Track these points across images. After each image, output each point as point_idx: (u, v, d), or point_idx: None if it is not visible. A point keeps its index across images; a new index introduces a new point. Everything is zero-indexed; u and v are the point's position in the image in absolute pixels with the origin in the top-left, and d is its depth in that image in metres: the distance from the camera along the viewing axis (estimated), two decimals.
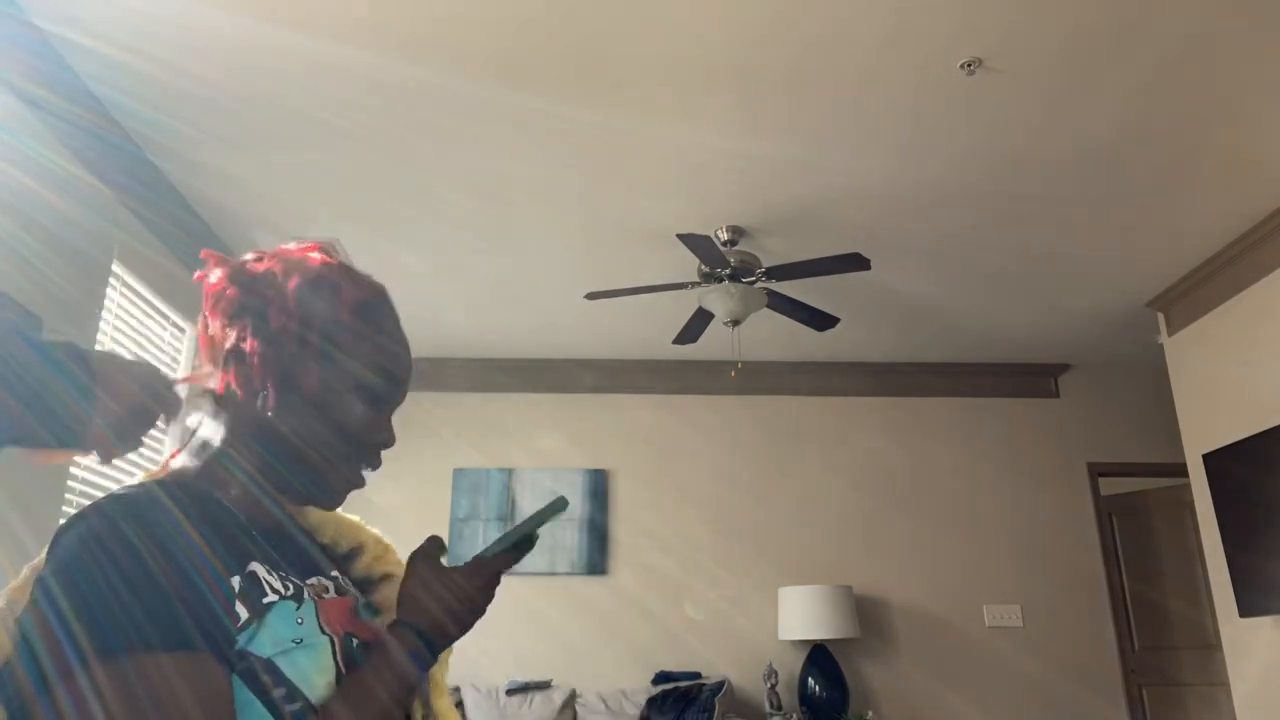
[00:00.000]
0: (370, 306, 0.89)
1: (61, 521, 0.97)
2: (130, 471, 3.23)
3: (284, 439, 0.86)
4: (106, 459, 0.87)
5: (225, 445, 0.87)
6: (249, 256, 0.91)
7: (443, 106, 2.99)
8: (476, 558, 0.87)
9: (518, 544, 0.87)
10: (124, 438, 0.87)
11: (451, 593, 0.84)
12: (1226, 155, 3.32)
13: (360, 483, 0.91)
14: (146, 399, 0.88)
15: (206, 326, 0.89)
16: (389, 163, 3.33)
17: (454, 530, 5.18)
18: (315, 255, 0.91)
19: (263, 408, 0.85)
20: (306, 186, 3.49)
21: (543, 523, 0.87)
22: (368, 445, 0.89)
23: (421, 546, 0.89)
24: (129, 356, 0.95)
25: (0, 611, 0.76)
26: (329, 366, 0.86)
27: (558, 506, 0.87)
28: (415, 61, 2.76)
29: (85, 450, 0.86)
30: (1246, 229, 3.85)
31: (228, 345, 0.86)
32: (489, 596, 0.86)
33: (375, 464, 0.91)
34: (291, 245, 0.92)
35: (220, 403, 0.88)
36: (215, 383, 0.88)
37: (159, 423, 0.91)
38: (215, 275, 0.89)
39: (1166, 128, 3.14)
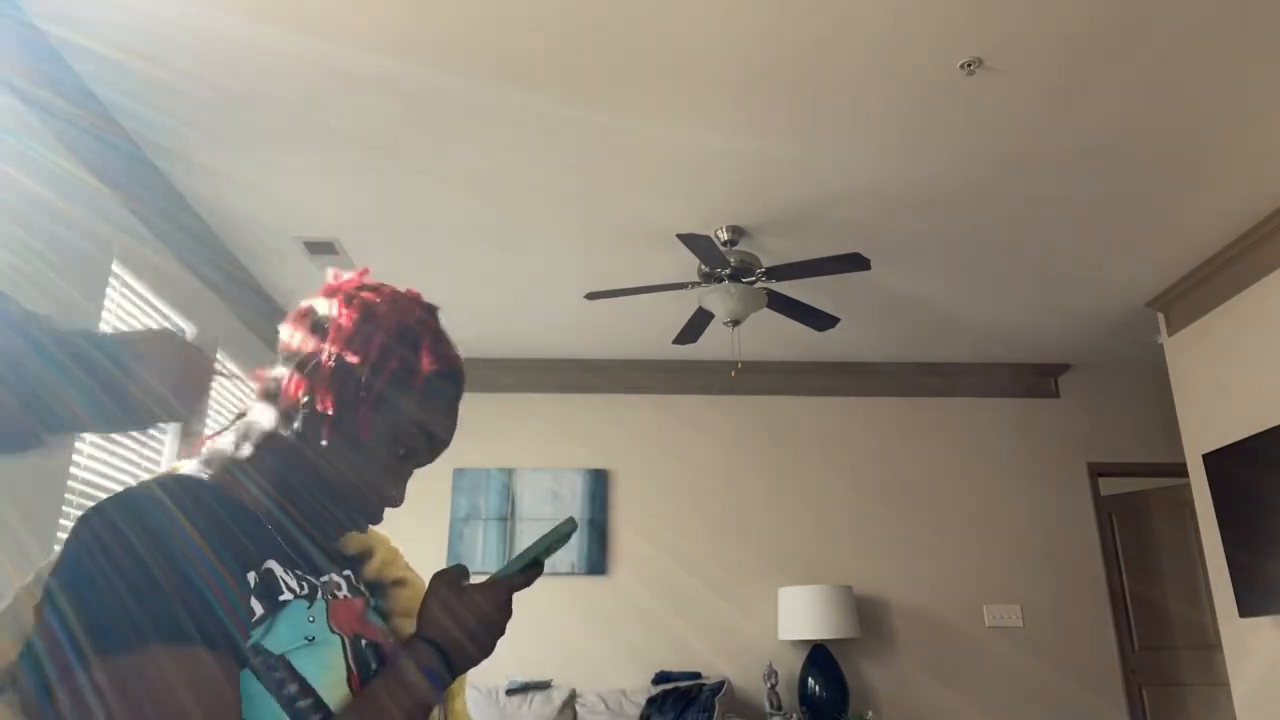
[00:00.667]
0: (439, 377, 0.91)
1: (62, 521, 0.99)
2: (133, 472, 3.23)
3: (313, 459, 0.87)
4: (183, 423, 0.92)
5: (243, 453, 0.89)
6: (366, 284, 0.94)
7: (443, 107, 2.99)
8: (493, 577, 0.87)
9: (528, 567, 0.88)
10: (184, 407, 0.93)
11: (472, 613, 0.85)
12: (1226, 155, 3.32)
13: (362, 527, 0.92)
14: (190, 376, 0.94)
15: (293, 333, 0.91)
16: (390, 163, 3.33)
17: (454, 530, 5.18)
18: (420, 309, 0.93)
19: (315, 425, 0.87)
20: (306, 186, 3.49)
21: (554, 545, 0.88)
22: (380, 494, 0.90)
23: (446, 570, 0.90)
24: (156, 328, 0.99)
25: (1, 613, 0.76)
26: (382, 412, 0.88)
27: (567, 529, 0.88)
28: (415, 62, 2.77)
29: (142, 427, 0.91)
30: (1246, 229, 3.86)
31: (308, 354, 0.89)
32: (506, 616, 0.87)
33: (377, 518, 0.92)
34: (403, 289, 0.95)
35: (271, 403, 0.90)
36: (281, 384, 0.89)
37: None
38: (332, 294, 0.93)
39: (1166, 128, 3.14)
